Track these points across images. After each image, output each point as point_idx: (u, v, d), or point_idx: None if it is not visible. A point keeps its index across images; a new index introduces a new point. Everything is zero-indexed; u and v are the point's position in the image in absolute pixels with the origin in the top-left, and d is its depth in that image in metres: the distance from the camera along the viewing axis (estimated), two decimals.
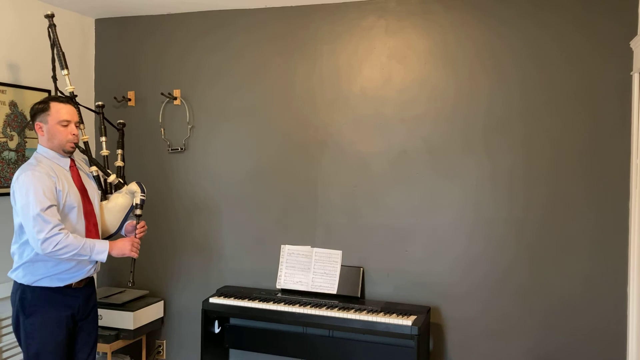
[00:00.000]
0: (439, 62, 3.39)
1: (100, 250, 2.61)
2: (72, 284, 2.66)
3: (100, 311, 3.61)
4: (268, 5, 3.66)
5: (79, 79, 3.96)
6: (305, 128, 3.65)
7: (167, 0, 3.62)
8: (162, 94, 3.86)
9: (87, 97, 4.03)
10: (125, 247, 2.74)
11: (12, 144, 3.42)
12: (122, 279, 4.00)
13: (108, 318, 3.62)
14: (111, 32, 4.05)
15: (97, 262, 2.72)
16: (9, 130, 3.39)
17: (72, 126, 2.66)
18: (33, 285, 2.58)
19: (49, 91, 3.57)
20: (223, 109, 3.82)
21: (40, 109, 2.63)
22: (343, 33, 3.55)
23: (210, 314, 3.54)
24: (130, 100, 3.99)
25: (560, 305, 3.21)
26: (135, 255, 2.78)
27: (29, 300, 2.58)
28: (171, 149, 3.91)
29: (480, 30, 3.30)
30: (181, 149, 3.89)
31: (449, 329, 3.41)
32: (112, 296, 3.74)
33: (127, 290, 3.88)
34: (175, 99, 3.89)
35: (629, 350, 3.02)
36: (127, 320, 3.60)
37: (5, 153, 3.38)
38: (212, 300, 3.49)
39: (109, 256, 2.68)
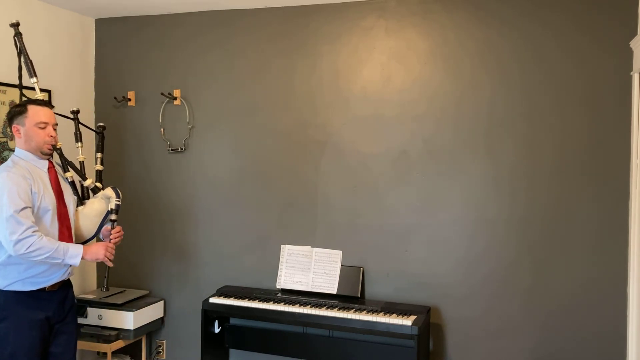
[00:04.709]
0: (440, 62, 3.38)
1: (74, 254, 2.58)
2: (45, 287, 2.63)
3: (100, 311, 3.62)
4: (268, 5, 3.65)
5: (79, 79, 3.96)
6: (305, 128, 3.65)
7: (167, 0, 3.62)
8: (162, 94, 3.86)
9: (87, 97, 4.03)
10: (99, 252, 2.69)
11: (12, 144, 3.42)
12: (121, 279, 4.00)
13: (108, 318, 3.62)
14: (111, 32, 4.05)
15: (70, 265, 2.68)
16: (9, 130, 3.38)
17: (49, 128, 2.65)
18: (5, 289, 2.56)
19: (49, 91, 3.57)
20: (223, 108, 3.81)
21: (18, 111, 2.62)
22: (343, 33, 3.55)
23: (210, 313, 3.54)
24: (130, 100, 3.99)
25: (560, 306, 3.21)
26: (109, 261, 2.74)
27: (1, 305, 2.56)
28: (171, 149, 3.91)
29: (481, 30, 3.30)
30: (181, 149, 3.89)
31: (449, 329, 3.41)
32: (112, 296, 3.74)
33: (127, 290, 3.89)
34: (175, 99, 3.89)
35: (629, 350, 3.02)
36: (127, 320, 3.60)
37: (6, 153, 3.38)
38: (212, 300, 3.50)
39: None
